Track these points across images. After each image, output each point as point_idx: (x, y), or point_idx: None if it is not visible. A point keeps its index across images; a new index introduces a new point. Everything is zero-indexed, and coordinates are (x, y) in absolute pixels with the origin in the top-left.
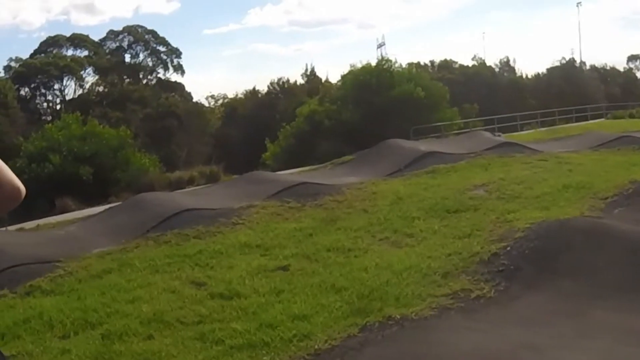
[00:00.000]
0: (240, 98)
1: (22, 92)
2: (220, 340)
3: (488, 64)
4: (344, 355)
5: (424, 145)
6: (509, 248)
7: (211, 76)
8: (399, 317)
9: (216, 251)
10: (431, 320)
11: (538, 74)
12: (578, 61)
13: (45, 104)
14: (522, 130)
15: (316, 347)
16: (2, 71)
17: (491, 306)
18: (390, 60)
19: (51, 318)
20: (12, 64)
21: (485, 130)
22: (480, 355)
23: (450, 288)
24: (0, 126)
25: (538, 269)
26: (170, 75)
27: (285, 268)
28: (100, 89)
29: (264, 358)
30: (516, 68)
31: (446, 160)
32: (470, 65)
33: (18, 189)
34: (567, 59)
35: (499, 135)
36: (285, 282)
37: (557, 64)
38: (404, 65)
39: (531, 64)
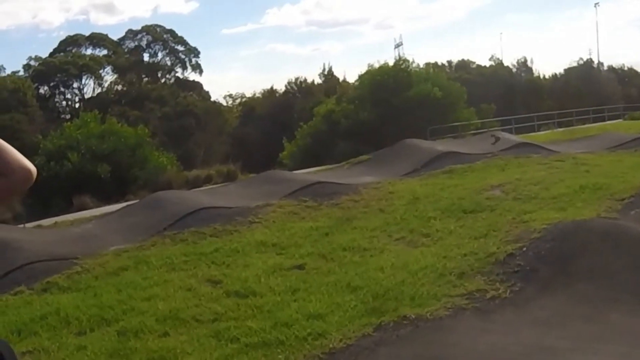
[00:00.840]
0: (258, 97)
1: (42, 91)
2: (236, 338)
3: (505, 64)
4: (358, 354)
5: (441, 145)
6: (524, 249)
7: (229, 75)
8: (414, 317)
9: (232, 249)
10: (446, 321)
11: (555, 74)
12: (596, 62)
13: (64, 103)
14: (539, 130)
15: (331, 346)
16: (22, 70)
17: (506, 307)
18: (408, 60)
19: (67, 315)
20: (32, 62)
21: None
22: (495, 357)
23: (466, 288)
24: (20, 124)
25: (554, 270)
26: (188, 74)
27: (301, 267)
28: (119, 87)
29: (279, 356)
30: (534, 68)
31: (463, 161)
32: (487, 65)
33: (29, 171)
34: (585, 59)
35: (497, 137)
36: (300, 280)
37: (575, 64)
38: (421, 66)
39: (549, 64)
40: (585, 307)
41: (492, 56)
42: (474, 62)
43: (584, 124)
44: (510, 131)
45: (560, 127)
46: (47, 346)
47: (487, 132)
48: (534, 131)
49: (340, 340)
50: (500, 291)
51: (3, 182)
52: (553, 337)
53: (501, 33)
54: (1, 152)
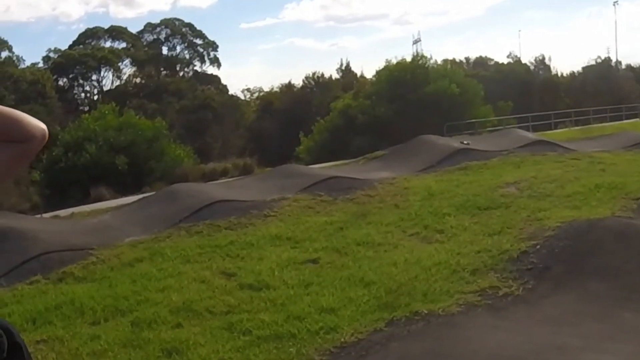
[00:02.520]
0: (275, 92)
1: (61, 83)
2: (248, 331)
3: (523, 61)
4: (369, 349)
5: (457, 142)
6: (538, 246)
7: (247, 69)
8: (426, 312)
9: (247, 242)
10: (458, 317)
11: (573, 72)
12: (614, 60)
13: (82, 95)
14: (556, 128)
15: (342, 340)
16: (41, 62)
17: (519, 305)
18: (426, 57)
19: (82, 304)
20: (51, 54)
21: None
22: (506, 354)
23: (479, 285)
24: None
25: (567, 268)
26: (206, 68)
27: (315, 261)
28: (137, 80)
29: (291, 349)
30: (551, 66)
31: (479, 157)
32: (505, 62)
33: (46, 132)
34: (603, 58)
35: (467, 143)
36: (314, 274)
37: (593, 62)
38: (439, 62)
39: (566, 62)
40: (597, 306)
41: (510, 53)
42: (491, 59)
43: (601, 122)
44: (527, 129)
45: (577, 126)
46: (61, 335)
47: (504, 129)
48: (551, 129)
49: (352, 335)
50: (512, 288)
51: (26, 147)
52: (564, 336)
53: (519, 30)
54: (20, 120)
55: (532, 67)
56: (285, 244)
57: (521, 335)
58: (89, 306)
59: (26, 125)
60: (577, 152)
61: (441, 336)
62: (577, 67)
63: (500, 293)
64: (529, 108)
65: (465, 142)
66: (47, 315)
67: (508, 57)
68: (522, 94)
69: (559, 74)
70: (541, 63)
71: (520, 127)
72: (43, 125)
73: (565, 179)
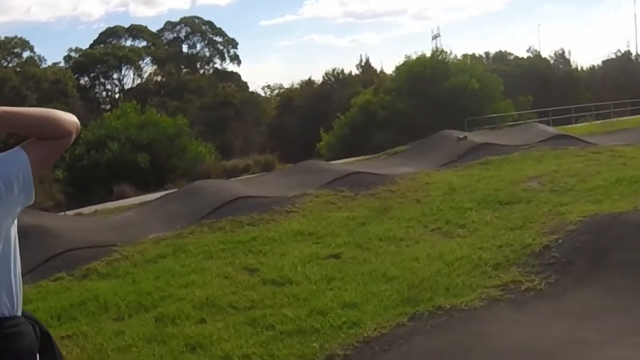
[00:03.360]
0: (295, 88)
1: (82, 82)
2: (271, 326)
3: (543, 56)
4: (392, 343)
5: (478, 137)
6: (560, 241)
7: (267, 66)
8: (448, 307)
9: (269, 238)
10: (480, 312)
11: (593, 66)
12: (634, 54)
13: (104, 93)
14: (576, 122)
15: (365, 334)
16: (63, 61)
17: (541, 299)
18: (445, 52)
19: (106, 301)
20: (72, 54)
21: (519, 123)
22: (529, 349)
23: (501, 279)
24: None
25: (589, 262)
26: (226, 65)
27: (337, 256)
28: (158, 78)
29: (314, 344)
30: (571, 60)
31: (500, 152)
32: (525, 57)
33: (79, 126)
34: (623, 51)
35: (464, 137)
36: (336, 270)
37: (613, 56)
38: (458, 57)
39: (586, 56)
40: (619, 300)
41: (530, 48)
42: (511, 54)
43: (621, 116)
44: (547, 123)
45: (598, 119)
46: (86, 331)
47: (524, 124)
48: (571, 123)
49: (375, 330)
50: (535, 283)
51: (63, 142)
52: (586, 330)
53: (539, 24)
54: (58, 119)
55: (552, 62)
56: (307, 239)
57: (543, 329)
58: (113, 302)
59: (63, 124)
60: (598, 146)
61: (464, 330)
62: (597, 61)
63: (523, 287)
64: (549, 102)
65: (461, 135)
66: (72, 311)
67: (528, 51)
68: (542, 88)
69: (579, 68)
70: (561, 57)
71: (540, 122)
72: (76, 120)
73: (586, 173)
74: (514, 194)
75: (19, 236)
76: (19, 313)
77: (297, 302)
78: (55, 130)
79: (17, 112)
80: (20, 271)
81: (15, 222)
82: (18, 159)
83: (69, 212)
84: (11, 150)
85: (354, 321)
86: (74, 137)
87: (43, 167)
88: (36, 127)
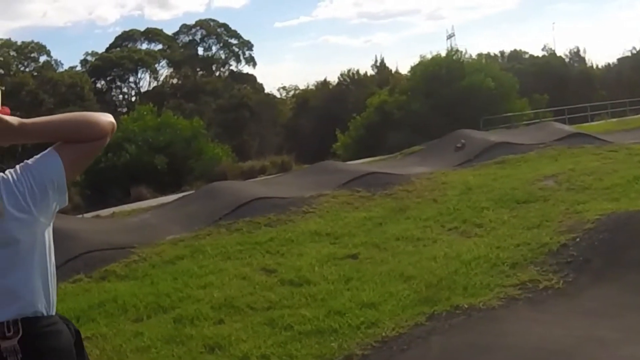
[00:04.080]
0: (311, 89)
1: (98, 85)
2: (289, 326)
3: (558, 54)
4: (411, 343)
5: (494, 136)
6: (578, 239)
7: (282, 67)
8: (466, 306)
9: (287, 239)
10: (499, 311)
11: (608, 64)
12: None
13: (120, 96)
14: (592, 121)
15: (383, 334)
16: (79, 65)
17: (559, 297)
18: (460, 51)
19: (125, 302)
20: (89, 58)
21: (535, 122)
22: (548, 348)
23: (519, 278)
24: None
25: (607, 261)
26: (242, 67)
27: (354, 256)
28: (174, 81)
29: (332, 344)
30: (586, 58)
31: (516, 151)
32: (540, 55)
33: (114, 124)
34: (638, 49)
35: (462, 144)
36: (354, 270)
37: (628, 54)
38: (473, 56)
39: (601, 54)
40: (638, 298)
41: (545, 46)
42: (526, 53)
43: (637, 114)
44: (563, 121)
45: (614, 118)
46: (105, 332)
47: (540, 122)
48: (587, 121)
49: (393, 329)
50: (553, 282)
51: (101, 142)
52: (605, 328)
53: (553, 23)
54: (95, 122)
55: (567, 60)
56: (324, 239)
57: (562, 328)
58: (131, 303)
59: (98, 126)
60: (614, 144)
61: (482, 330)
62: (612, 59)
63: (541, 286)
64: (564, 101)
65: (459, 144)
66: (91, 313)
67: (543, 50)
68: (558, 86)
69: (594, 66)
70: (576, 55)
71: (556, 120)
72: (112, 119)
73: (603, 171)
74: (530, 193)
75: None
76: (54, 312)
77: (315, 302)
78: (90, 133)
79: (43, 121)
80: (54, 272)
81: (51, 225)
82: (52, 164)
83: (87, 215)
84: (45, 152)
85: (372, 321)
86: (109, 137)
87: (79, 170)
88: (69, 133)
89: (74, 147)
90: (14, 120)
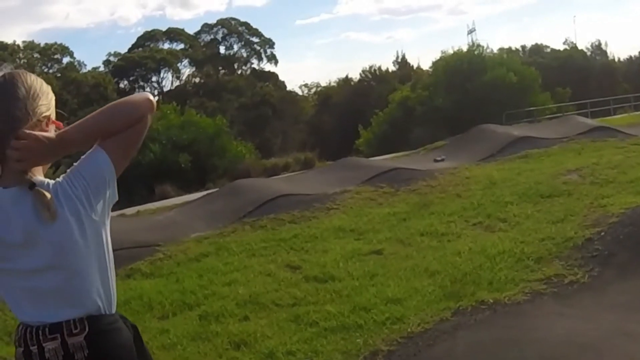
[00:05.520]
0: (333, 86)
1: (122, 85)
2: (315, 322)
3: (580, 47)
4: (436, 338)
5: (517, 130)
6: (603, 233)
7: (304, 65)
8: (491, 301)
9: (311, 235)
10: (524, 305)
11: (630, 57)
12: None
13: None
14: (615, 114)
15: (409, 330)
16: (102, 65)
17: (585, 292)
18: (482, 46)
19: (150, 299)
20: (111, 58)
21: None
22: (575, 342)
23: (544, 273)
24: None
25: (633, 254)
26: (264, 65)
27: (379, 252)
28: (197, 80)
29: (357, 340)
30: (608, 51)
31: (539, 145)
32: (561, 49)
33: (153, 102)
34: None
35: (441, 160)
36: (378, 265)
37: None
38: (495, 51)
39: (623, 46)
40: None
41: (566, 40)
42: (547, 47)
43: None
44: (586, 115)
45: (637, 111)
46: None
47: (563, 116)
48: (610, 115)
49: (419, 325)
50: (578, 276)
51: (139, 127)
52: (632, 322)
53: (574, 16)
54: (131, 107)
55: (588, 53)
56: (348, 235)
57: (588, 322)
58: (157, 301)
59: (135, 108)
60: (638, 137)
61: (508, 324)
62: (635, 52)
63: (566, 281)
64: (587, 94)
65: (438, 158)
66: (117, 310)
67: (564, 43)
68: (580, 80)
69: (616, 59)
70: (598, 48)
71: (579, 114)
72: (149, 97)
73: (627, 165)
74: (554, 187)
75: None
76: (114, 310)
77: (340, 298)
78: (127, 120)
79: (78, 127)
80: (114, 270)
81: (108, 223)
82: (102, 162)
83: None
84: (91, 152)
85: (397, 317)
86: (150, 117)
87: (127, 159)
88: (106, 128)
89: (117, 139)
90: (52, 136)
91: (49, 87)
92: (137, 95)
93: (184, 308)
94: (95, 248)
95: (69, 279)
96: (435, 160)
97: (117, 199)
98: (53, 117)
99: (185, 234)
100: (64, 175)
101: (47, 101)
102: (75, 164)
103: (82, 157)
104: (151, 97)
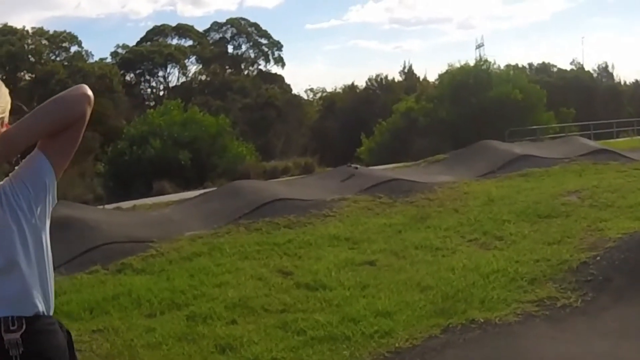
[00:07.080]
0: (338, 92)
1: (128, 78)
2: (302, 331)
3: (586, 68)
4: (424, 355)
5: (518, 148)
6: (598, 257)
7: (311, 69)
8: (482, 320)
9: (305, 241)
10: (515, 327)
11: (637, 80)
12: None
13: (149, 90)
14: (618, 137)
15: (397, 345)
16: (109, 57)
17: (577, 316)
18: (489, 61)
19: (139, 296)
20: (119, 50)
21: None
22: None
23: (537, 295)
24: (105, 109)
25: (628, 280)
26: (270, 67)
27: (372, 263)
28: (203, 77)
29: (344, 352)
30: (614, 74)
31: (540, 164)
32: (568, 69)
33: (90, 97)
34: None
35: (355, 167)
36: (371, 277)
37: None
38: (502, 67)
39: (630, 70)
40: None
41: (574, 60)
42: (554, 66)
43: None
44: (588, 137)
45: (639, 135)
46: (117, 326)
47: (566, 137)
48: (613, 138)
49: (407, 340)
50: (571, 300)
51: (79, 125)
52: (625, 350)
53: (582, 37)
54: (68, 103)
55: (595, 75)
56: (343, 244)
57: (581, 347)
58: (146, 298)
59: (71, 104)
60: (639, 162)
61: (498, 345)
62: None
63: (559, 304)
64: (591, 116)
65: (353, 165)
66: (105, 305)
67: (571, 64)
68: (585, 101)
69: (622, 82)
70: (604, 70)
71: (582, 135)
72: (85, 91)
73: (627, 189)
74: (553, 208)
75: (59, 228)
76: (52, 313)
77: (330, 307)
78: (65, 118)
79: (18, 126)
80: (52, 274)
81: (48, 227)
82: (42, 167)
83: (108, 206)
84: (31, 155)
85: (386, 330)
86: (89, 112)
87: (68, 159)
88: (46, 127)
89: (57, 140)
90: None
91: (7, 90)
92: (75, 90)
93: (172, 307)
94: (35, 252)
95: (6, 281)
96: (349, 166)
97: (56, 201)
98: (6, 120)
99: (179, 231)
100: (7, 179)
101: (3, 104)
102: (17, 167)
103: (24, 161)
104: (89, 91)
